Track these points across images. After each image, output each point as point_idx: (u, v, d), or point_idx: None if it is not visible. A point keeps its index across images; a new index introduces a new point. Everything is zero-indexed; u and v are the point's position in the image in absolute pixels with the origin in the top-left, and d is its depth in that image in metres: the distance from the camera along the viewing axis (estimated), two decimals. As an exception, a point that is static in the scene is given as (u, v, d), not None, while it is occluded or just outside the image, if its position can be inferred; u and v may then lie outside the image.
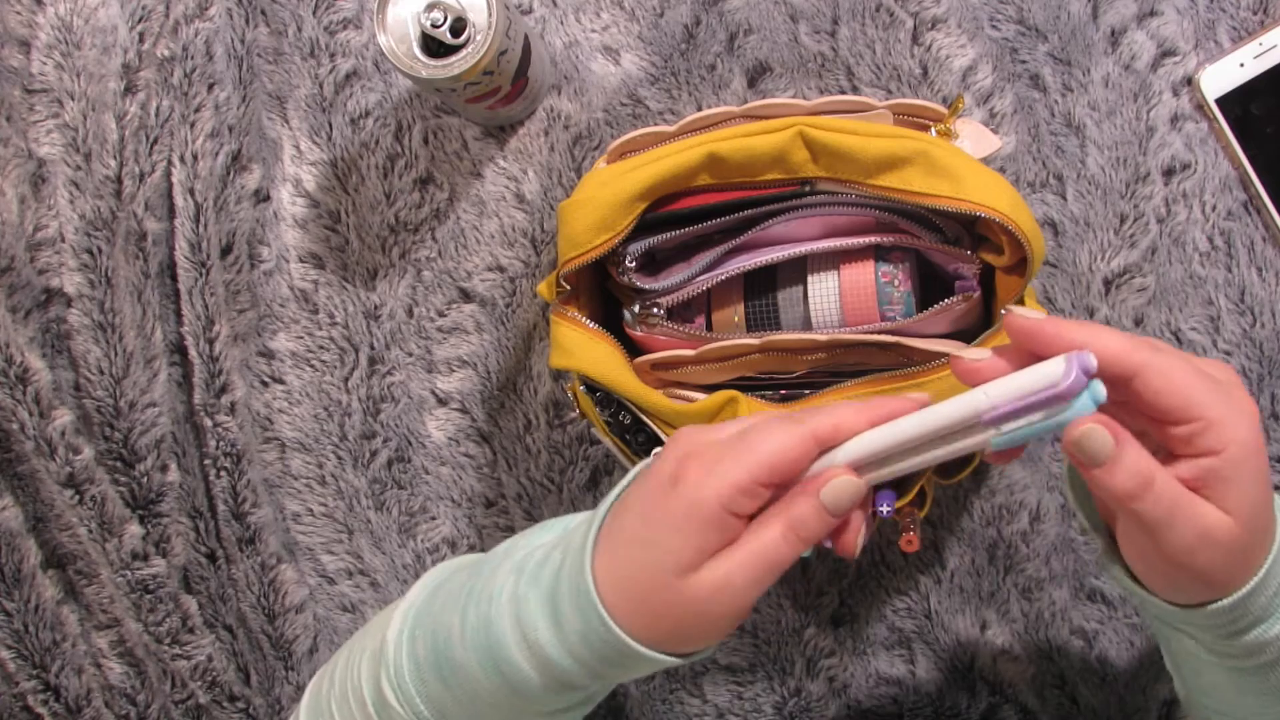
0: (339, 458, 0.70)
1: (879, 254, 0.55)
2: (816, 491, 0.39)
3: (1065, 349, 0.37)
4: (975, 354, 0.40)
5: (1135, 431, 0.38)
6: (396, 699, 0.44)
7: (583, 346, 0.55)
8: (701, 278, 0.56)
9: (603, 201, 0.53)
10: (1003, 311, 0.38)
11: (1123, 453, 0.36)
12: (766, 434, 0.39)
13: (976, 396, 0.38)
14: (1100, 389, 0.37)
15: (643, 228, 0.55)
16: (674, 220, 0.56)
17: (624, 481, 0.43)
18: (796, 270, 0.56)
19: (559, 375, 0.68)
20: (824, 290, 0.55)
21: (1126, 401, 0.39)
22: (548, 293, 0.56)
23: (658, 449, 0.56)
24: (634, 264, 0.55)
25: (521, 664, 0.41)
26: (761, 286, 0.57)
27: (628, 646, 0.40)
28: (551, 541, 0.44)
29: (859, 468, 0.40)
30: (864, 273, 0.55)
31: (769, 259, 0.55)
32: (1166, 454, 0.39)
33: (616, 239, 0.53)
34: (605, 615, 0.39)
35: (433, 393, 0.69)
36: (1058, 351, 0.37)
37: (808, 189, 0.55)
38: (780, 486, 0.40)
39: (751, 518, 0.40)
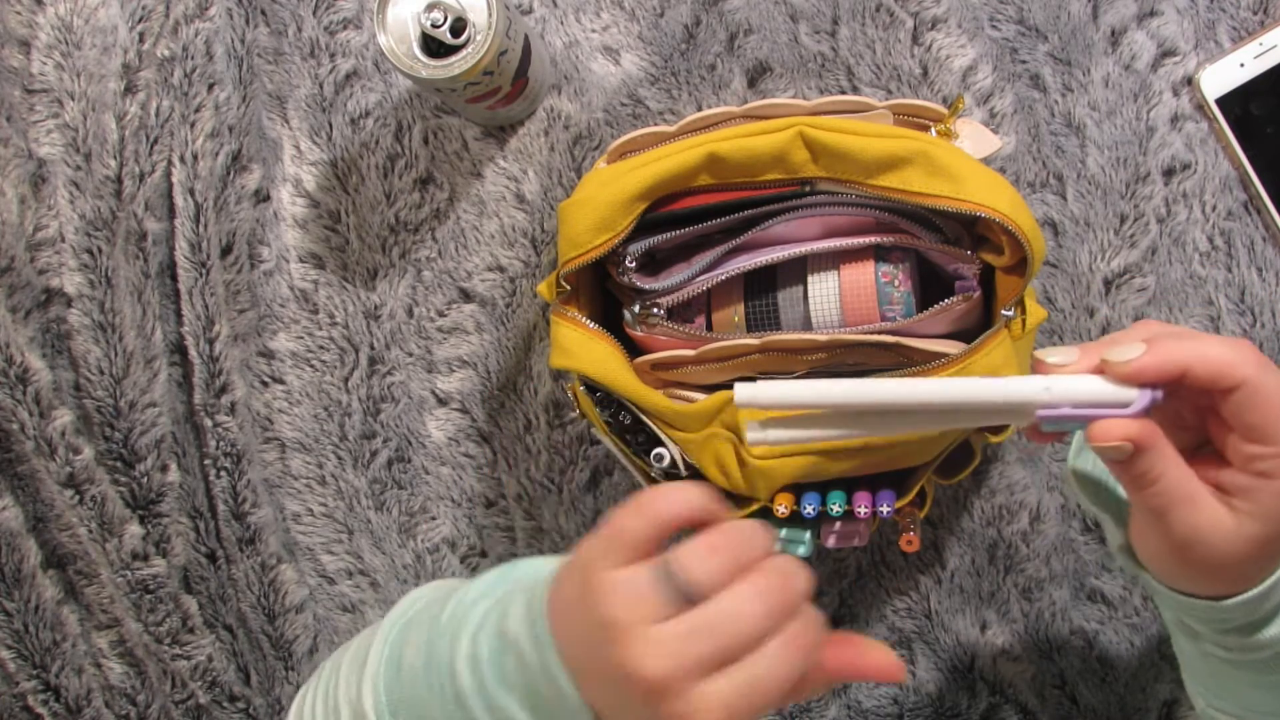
0: (339, 458, 0.70)
1: (879, 254, 0.55)
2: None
3: (1166, 377, 0.37)
4: (1061, 356, 0.39)
5: (1178, 425, 0.39)
6: None
7: (583, 346, 0.55)
8: (701, 278, 0.56)
9: (603, 201, 0.53)
10: (1110, 358, 0.38)
11: (1138, 454, 0.37)
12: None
13: (1037, 388, 0.38)
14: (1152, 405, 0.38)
15: (643, 228, 0.55)
16: (674, 220, 0.56)
17: None
18: (796, 270, 0.56)
19: (559, 375, 0.68)
20: (824, 290, 0.55)
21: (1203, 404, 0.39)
22: (548, 293, 0.56)
23: (659, 450, 0.56)
24: (634, 264, 0.55)
25: None
26: (761, 286, 0.57)
27: None
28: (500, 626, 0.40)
29: (887, 411, 0.39)
30: (864, 273, 0.55)
31: (769, 259, 0.55)
32: (1215, 452, 0.40)
33: (616, 239, 0.53)
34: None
35: (433, 393, 0.69)
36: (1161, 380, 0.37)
37: (808, 189, 0.55)
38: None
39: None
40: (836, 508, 0.56)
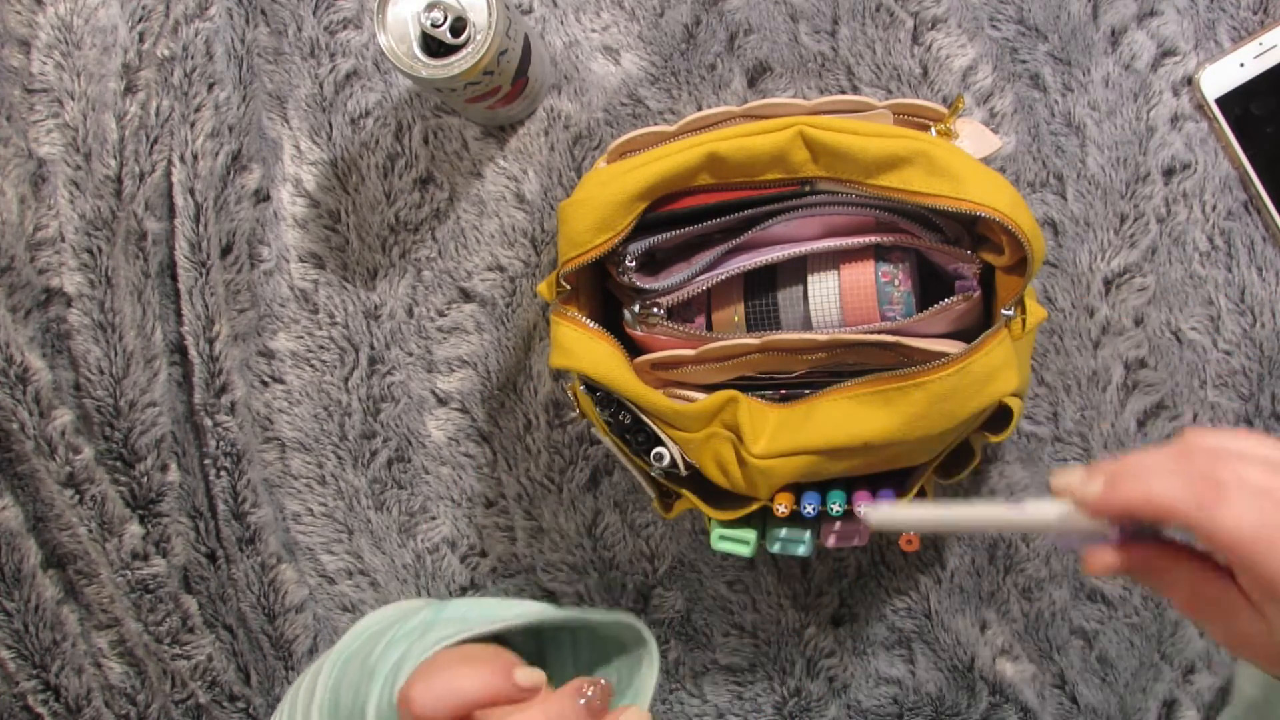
0: (339, 458, 0.70)
1: (879, 254, 0.55)
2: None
3: (1119, 515, 0.37)
4: (1066, 479, 0.39)
5: None
6: None
7: (583, 346, 0.55)
8: (701, 277, 0.56)
9: (603, 201, 0.53)
10: (1070, 505, 0.39)
11: (1140, 579, 0.38)
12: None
13: (1049, 512, 0.39)
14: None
15: (643, 227, 0.55)
16: (674, 220, 0.56)
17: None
18: (796, 270, 0.56)
19: (559, 375, 0.68)
20: (824, 290, 0.55)
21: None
22: (548, 293, 0.56)
23: (659, 450, 0.56)
24: (634, 264, 0.55)
25: None
26: (761, 286, 0.57)
27: None
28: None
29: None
30: (864, 272, 0.55)
31: (769, 259, 0.55)
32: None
33: (616, 239, 0.53)
34: None
35: (433, 393, 0.69)
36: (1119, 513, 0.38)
37: (808, 189, 0.55)
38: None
39: None
40: (836, 507, 0.56)
